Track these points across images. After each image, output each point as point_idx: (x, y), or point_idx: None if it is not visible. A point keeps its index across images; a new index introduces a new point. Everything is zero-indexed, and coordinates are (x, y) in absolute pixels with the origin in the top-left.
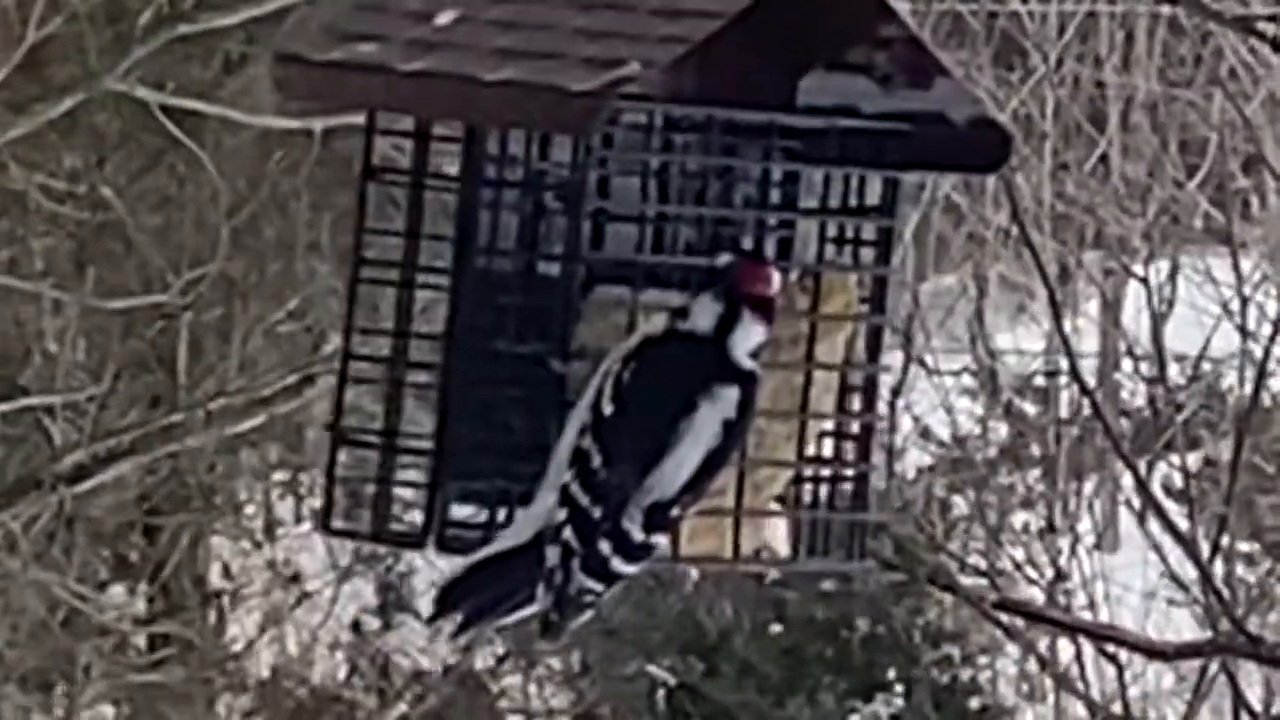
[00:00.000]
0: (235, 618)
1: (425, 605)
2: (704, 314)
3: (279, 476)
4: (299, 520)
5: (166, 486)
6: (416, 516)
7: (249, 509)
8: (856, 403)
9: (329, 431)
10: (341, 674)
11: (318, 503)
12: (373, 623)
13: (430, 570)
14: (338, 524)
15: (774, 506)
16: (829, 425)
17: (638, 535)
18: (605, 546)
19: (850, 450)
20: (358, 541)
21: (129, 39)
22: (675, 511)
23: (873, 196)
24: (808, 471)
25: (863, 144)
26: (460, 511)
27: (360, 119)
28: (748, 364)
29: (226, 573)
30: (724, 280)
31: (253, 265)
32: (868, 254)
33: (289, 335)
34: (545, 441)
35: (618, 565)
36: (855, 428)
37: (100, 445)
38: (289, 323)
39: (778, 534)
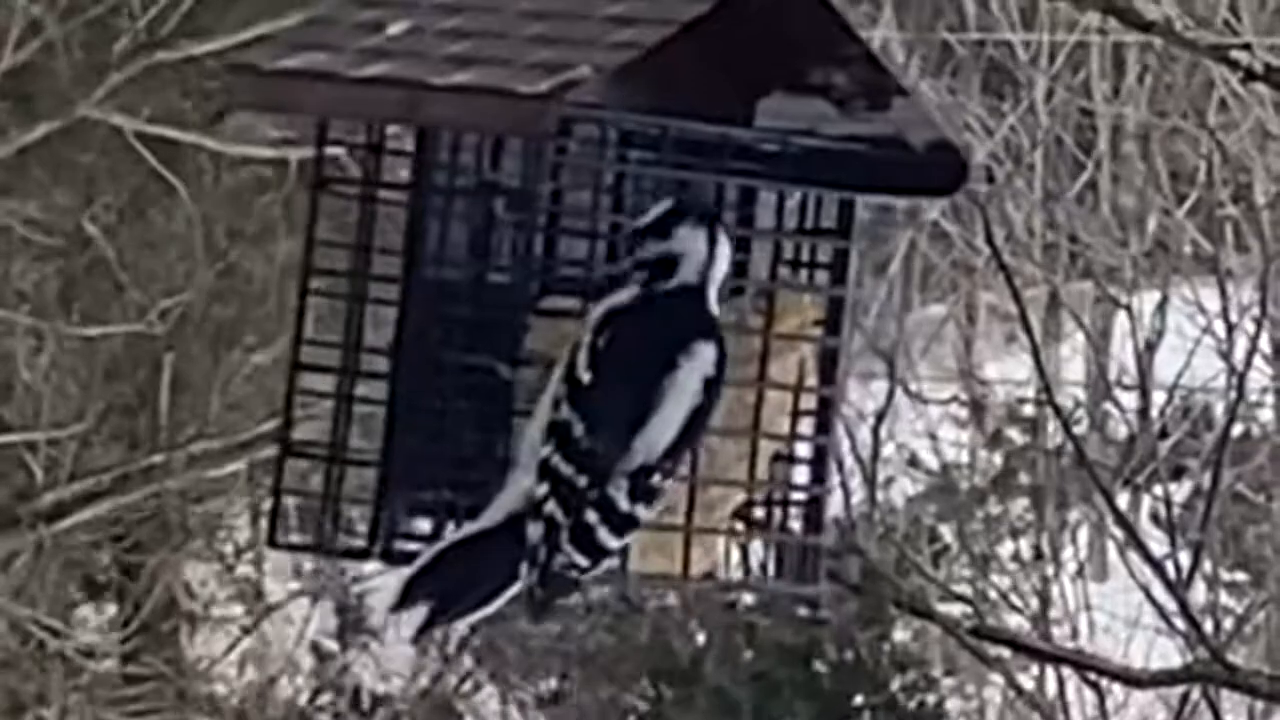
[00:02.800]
0: (205, 640)
1: (380, 613)
2: (692, 241)
3: (252, 499)
4: (273, 544)
5: (141, 516)
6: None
7: (220, 532)
8: (810, 426)
9: (276, 444)
10: (309, 696)
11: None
12: (331, 645)
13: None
14: (284, 538)
15: (725, 527)
16: (782, 448)
17: (624, 504)
18: (592, 516)
19: (803, 473)
20: (304, 554)
21: (106, 67)
22: (658, 478)
23: (829, 219)
24: (760, 494)
25: (819, 165)
26: (408, 524)
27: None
28: (717, 313)
29: (190, 593)
30: (700, 207)
31: (238, 308)
32: (823, 276)
33: (273, 380)
34: (494, 452)
35: (604, 537)
36: (808, 451)
37: (80, 484)
38: (273, 369)
39: (729, 555)
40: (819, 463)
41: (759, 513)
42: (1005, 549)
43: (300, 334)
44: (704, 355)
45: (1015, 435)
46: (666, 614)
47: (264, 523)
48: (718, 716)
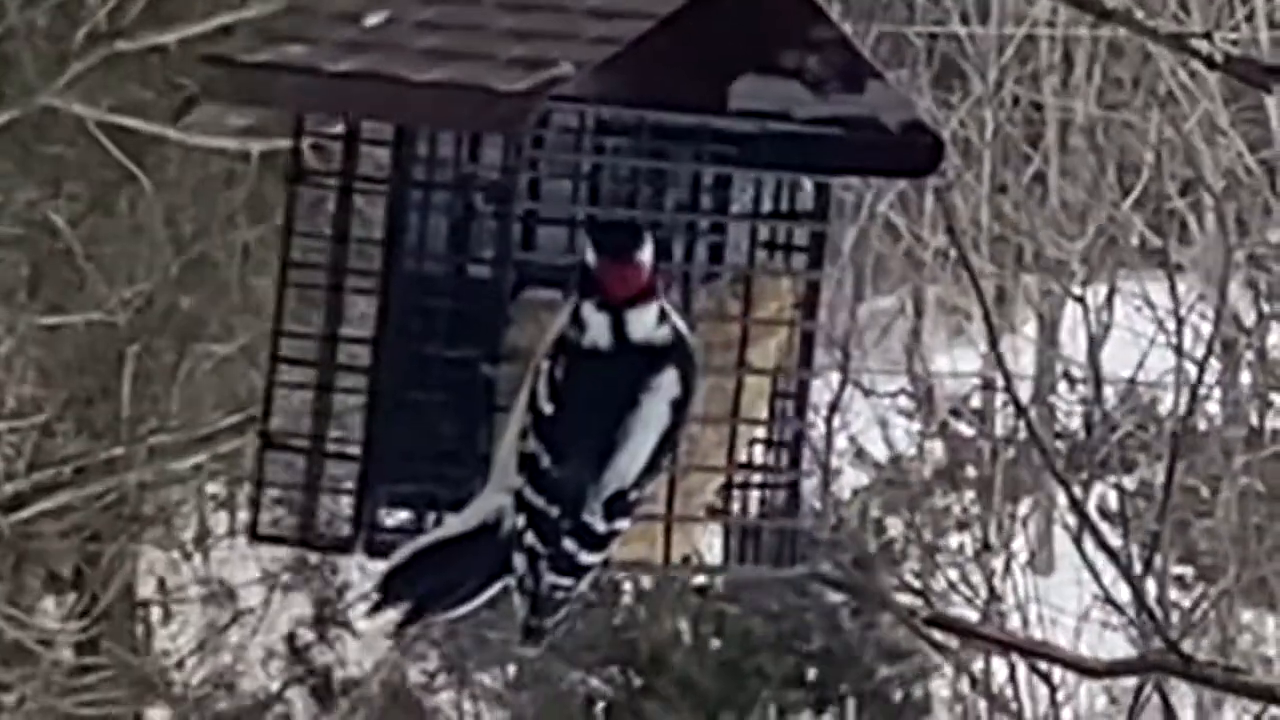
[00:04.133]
0: (167, 630)
1: (360, 612)
2: (597, 328)
3: (213, 489)
4: (233, 533)
5: (101, 505)
6: (345, 522)
7: (179, 520)
8: (788, 409)
9: (258, 437)
10: (275, 686)
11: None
12: (308, 635)
13: (368, 582)
14: (266, 530)
15: (705, 513)
16: (760, 433)
17: (600, 527)
18: (571, 544)
19: (782, 457)
20: (285, 547)
21: (68, 55)
22: (634, 495)
23: (805, 202)
24: (739, 478)
25: (794, 148)
26: (389, 517)
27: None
28: (662, 335)
29: (161, 585)
30: (597, 290)
31: (203, 302)
32: (800, 259)
33: (236, 374)
34: (475, 446)
35: (584, 558)
36: (787, 434)
37: (40, 475)
38: (237, 360)
39: (707, 541)
40: (796, 447)
41: (737, 497)
42: (953, 542)
43: (280, 327)
44: (666, 384)
45: (963, 427)
46: (637, 599)
47: (224, 514)
48: (684, 705)
